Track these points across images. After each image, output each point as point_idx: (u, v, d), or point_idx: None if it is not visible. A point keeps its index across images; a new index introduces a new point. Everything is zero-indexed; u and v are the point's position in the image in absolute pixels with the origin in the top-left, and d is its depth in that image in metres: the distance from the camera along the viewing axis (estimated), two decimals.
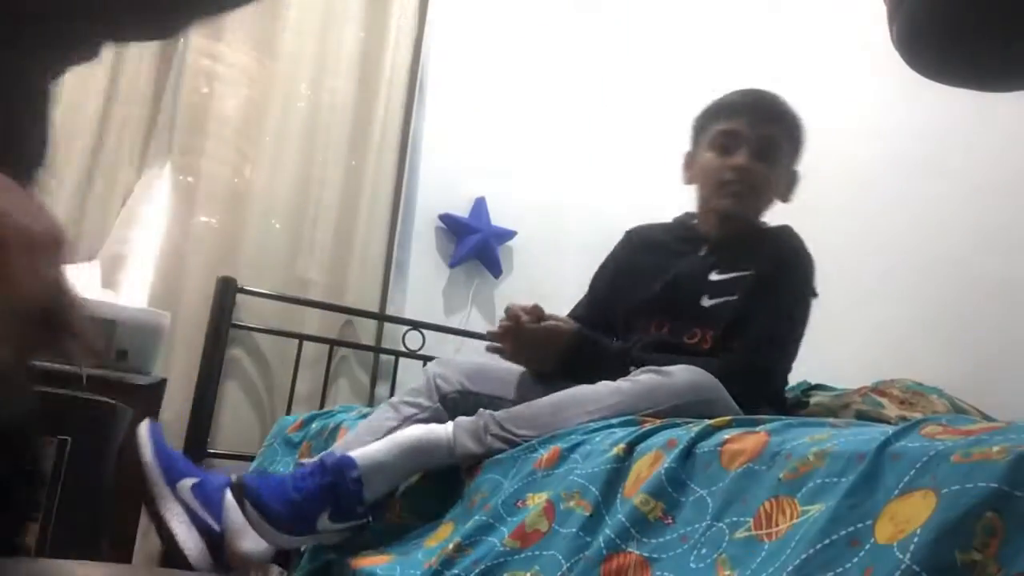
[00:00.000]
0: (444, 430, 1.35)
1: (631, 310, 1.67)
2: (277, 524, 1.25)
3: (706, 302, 1.56)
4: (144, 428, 1.32)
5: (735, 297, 1.53)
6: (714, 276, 1.58)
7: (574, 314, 1.75)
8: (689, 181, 1.71)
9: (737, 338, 1.51)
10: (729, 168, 1.59)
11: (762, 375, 1.51)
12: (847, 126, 2.16)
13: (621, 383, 1.37)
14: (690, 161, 1.72)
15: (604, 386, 1.36)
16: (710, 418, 1.08)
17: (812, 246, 1.56)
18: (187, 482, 1.28)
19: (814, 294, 1.58)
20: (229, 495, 1.27)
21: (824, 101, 2.25)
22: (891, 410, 1.52)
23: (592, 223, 3.00)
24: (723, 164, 1.60)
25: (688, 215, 1.75)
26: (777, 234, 1.63)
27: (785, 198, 1.67)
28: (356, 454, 1.31)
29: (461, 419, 1.37)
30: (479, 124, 2.94)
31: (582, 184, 3.08)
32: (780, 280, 1.53)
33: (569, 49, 3.17)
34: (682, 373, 1.35)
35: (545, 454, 1.20)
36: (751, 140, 1.58)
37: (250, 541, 1.24)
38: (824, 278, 1.77)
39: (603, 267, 1.82)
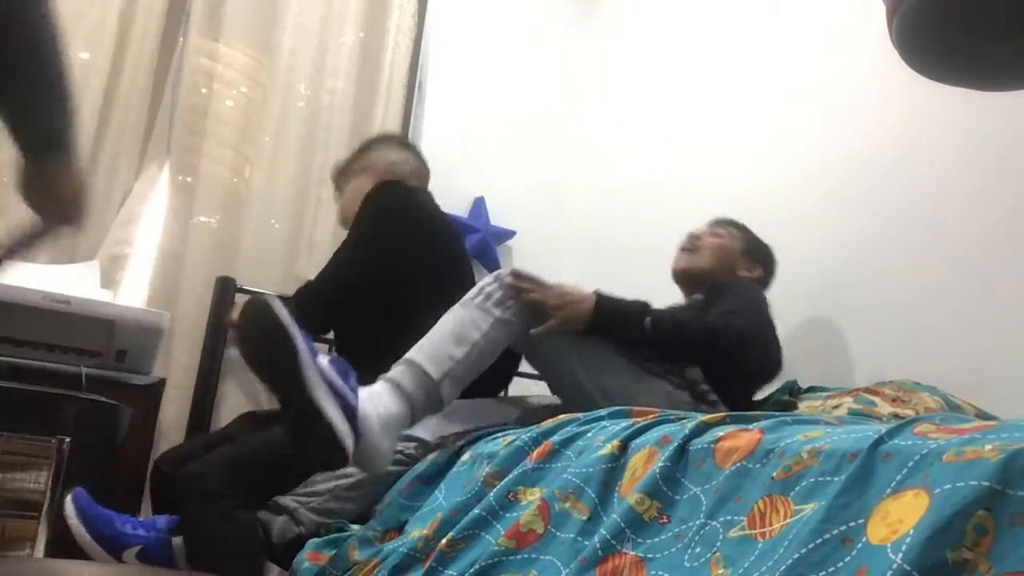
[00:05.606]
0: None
1: None
2: None
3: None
4: (68, 503, 1.46)
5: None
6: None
7: None
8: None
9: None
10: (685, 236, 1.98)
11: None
12: (846, 125, 2.16)
13: None
14: None
15: None
16: None
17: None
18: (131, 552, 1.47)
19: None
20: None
21: (823, 100, 2.25)
22: (883, 407, 1.51)
23: (591, 223, 3.00)
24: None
25: None
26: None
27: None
28: None
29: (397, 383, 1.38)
30: (478, 124, 2.94)
31: (581, 184, 3.08)
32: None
33: (568, 48, 3.17)
34: None
35: (536, 447, 1.20)
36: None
37: None
38: (826, 279, 1.77)
39: None
